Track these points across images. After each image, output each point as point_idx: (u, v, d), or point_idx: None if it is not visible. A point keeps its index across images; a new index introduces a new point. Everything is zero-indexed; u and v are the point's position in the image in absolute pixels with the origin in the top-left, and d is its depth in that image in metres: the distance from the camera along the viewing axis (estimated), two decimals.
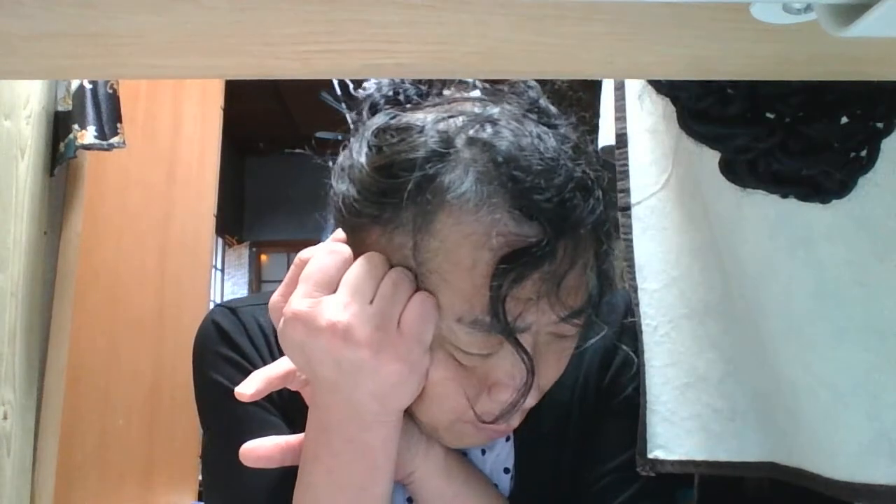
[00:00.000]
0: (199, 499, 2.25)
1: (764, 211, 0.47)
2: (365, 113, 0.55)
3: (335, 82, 0.55)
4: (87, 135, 1.47)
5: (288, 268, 0.51)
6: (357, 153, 0.51)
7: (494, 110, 0.49)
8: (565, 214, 0.47)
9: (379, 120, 0.52)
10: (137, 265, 1.87)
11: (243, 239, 4.81)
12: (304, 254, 0.50)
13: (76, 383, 1.56)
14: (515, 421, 0.52)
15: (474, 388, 0.50)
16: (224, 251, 4.61)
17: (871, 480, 0.45)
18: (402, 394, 0.48)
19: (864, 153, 0.44)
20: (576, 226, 0.47)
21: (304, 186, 4.48)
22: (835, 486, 0.46)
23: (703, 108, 0.46)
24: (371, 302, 0.47)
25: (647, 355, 0.58)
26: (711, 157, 0.49)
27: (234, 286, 4.62)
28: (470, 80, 0.54)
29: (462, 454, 0.58)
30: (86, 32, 0.30)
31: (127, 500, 1.82)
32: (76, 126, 1.48)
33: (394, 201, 0.48)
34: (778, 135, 0.44)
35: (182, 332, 2.10)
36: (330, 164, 0.56)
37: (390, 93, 0.55)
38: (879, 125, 0.43)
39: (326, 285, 0.48)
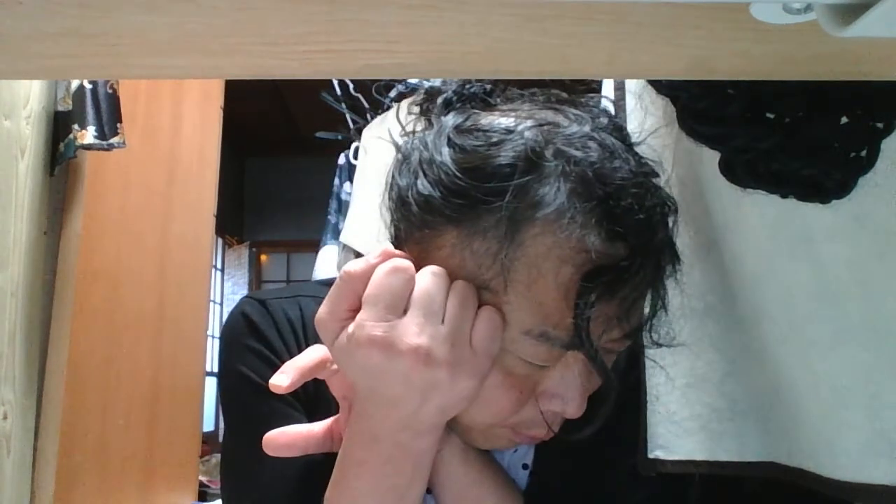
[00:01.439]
0: (200, 499, 2.25)
1: (764, 211, 0.47)
2: (439, 107, 0.54)
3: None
4: (87, 135, 1.48)
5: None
6: (435, 150, 0.49)
7: (585, 127, 0.49)
8: (651, 237, 0.47)
9: (456, 118, 0.51)
10: (137, 265, 1.87)
11: (243, 239, 4.81)
12: (351, 268, 0.48)
13: (76, 383, 1.56)
14: (555, 429, 0.52)
15: (524, 395, 0.50)
16: (224, 251, 4.61)
17: (870, 480, 0.45)
18: (465, 405, 0.48)
19: (864, 153, 0.44)
20: (658, 248, 0.48)
21: (304, 187, 4.49)
22: (835, 486, 0.46)
23: (703, 108, 0.46)
24: (443, 320, 0.46)
25: (648, 355, 0.58)
26: (711, 157, 0.49)
27: (234, 286, 4.62)
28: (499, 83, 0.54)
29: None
30: (86, 32, 0.30)
31: (127, 500, 1.82)
32: (76, 126, 1.48)
33: (481, 206, 0.47)
34: (778, 135, 0.44)
35: (182, 333, 2.10)
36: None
37: (458, 87, 0.54)
38: (879, 125, 0.43)
39: (397, 307, 0.46)
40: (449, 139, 0.49)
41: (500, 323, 0.47)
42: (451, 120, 0.51)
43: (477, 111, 0.51)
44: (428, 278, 0.47)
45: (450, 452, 0.54)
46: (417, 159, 0.50)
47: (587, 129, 0.49)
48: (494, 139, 0.48)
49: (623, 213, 0.46)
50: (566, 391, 0.49)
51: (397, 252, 0.49)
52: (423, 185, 0.49)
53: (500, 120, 0.50)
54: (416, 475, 0.50)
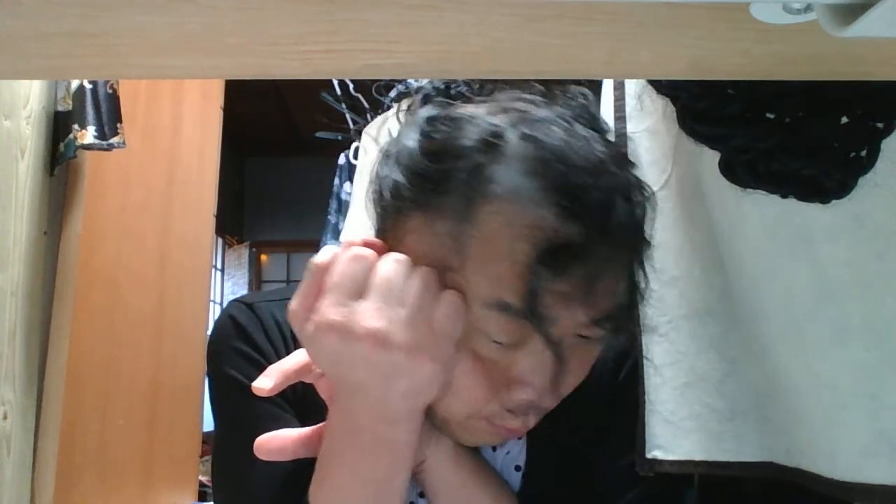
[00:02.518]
0: (200, 499, 2.25)
1: (764, 211, 0.47)
2: (416, 102, 0.55)
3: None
4: (87, 135, 1.48)
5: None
6: (406, 138, 0.51)
7: (547, 111, 0.50)
8: (608, 217, 0.48)
9: (430, 110, 0.52)
10: (137, 265, 1.87)
11: (243, 239, 4.81)
12: (318, 259, 0.49)
13: (76, 383, 1.56)
14: (531, 422, 0.52)
15: (495, 383, 0.50)
16: (224, 251, 4.61)
17: (870, 480, 0.45)
18: (432, 390, 0.48)
19: (864, 153, 0.44)
20: (616, 230, 0.48)
21: (304, 187, 4.48)
22: (834, 486, 0.46)
23: (703, 108, 0.46)
24: (403, 304, 0.47)
25: (646, 355, 0.58)
26: (711, 157, 0.49)
27: (234, 286, 4.62)
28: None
29: (474, 449, 0.58)
30: (86, 32, 0.30)
31: (127, 500, 1.82)
32: (76, 126, 1.48)
33: (440, 187, 0.48)
34: (778, 135, 0.44)
35: (182, 333, 2.10)
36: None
37: (442, 86, 0.55)
38: (879, 125, 0.43)
39: (356, 292, 0.47)
40: (420, 128, 0.51)
41: (462, 305, 0.48)
42: (425, 112, 0.52)
43: (453, 103, 0.53)
44: (389, 264, 0.48)
45: (441, 455, 0.54)
46: (395, 151, 0.52)
47: (554, 114, 0.49)
48: (458, 125, 0.49)
49: (579, 191, 0.47)
50: (535, 378, 0.49)
51: (369, 240, 0.51)
52: (393, 172, 0.51)
53: (470, 109, 0.51)
54: (396, 469, 0.50)
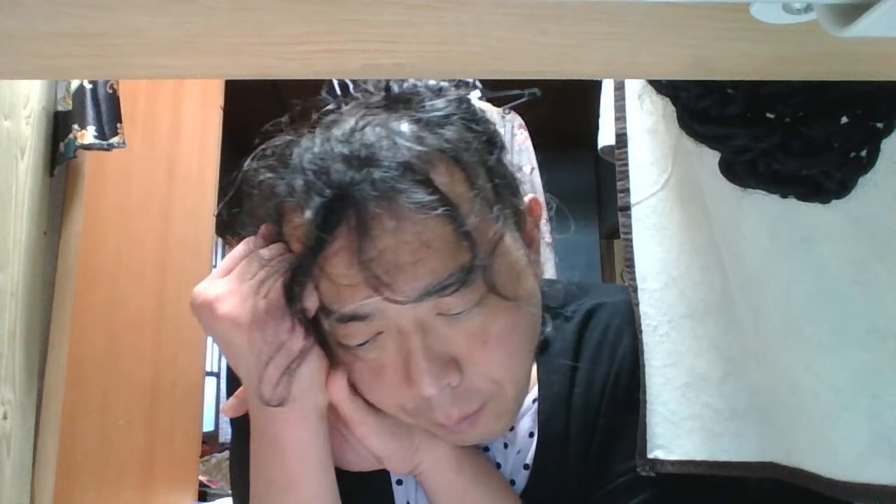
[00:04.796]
0: (200, 499, 2.25)
1: (764, 211, 0.47)
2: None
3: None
4: (87, 135, 1.47)
5: None
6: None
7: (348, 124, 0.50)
8: (335, 198, 0.46)
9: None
10: (137, 265, 1.87)
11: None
12: None
13: (76, 383, 1.56)
14: (466, 409, 0.51)
15: (389, 378, 0.51)
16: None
17: (871, 480, 0.45)
18: (267, 368, 0.49)
19: (864, 153, 0.44)
20: (355, 206, 0.46)
21: None
22: (835, 486, 0.46)
23: (703, 108, 0.46)
24: (247, 281, 0.50)
25: (647, 355, 0.58)
26: (711, 157, 0.49)
27: None
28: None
29: (485, 448, 0.58)
30: (86, 32, 0.30)
31: (127, 500, 1.82)
32: (76, 126, 1.48)
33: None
34: (778, 135, 0.44)
35: (182, 333, 2.10)
36: None
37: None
38: (879, 125, 0.43)
39: (226, 272, 0.51)
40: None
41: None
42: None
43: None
44: (259, 250, 0.52)
45: (437, 459, 0.54)
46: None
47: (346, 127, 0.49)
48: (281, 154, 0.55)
49: (303, 189, 0.48)
50: (411, 371, 0.49)
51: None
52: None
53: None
54: (288, 474, 0.51)
